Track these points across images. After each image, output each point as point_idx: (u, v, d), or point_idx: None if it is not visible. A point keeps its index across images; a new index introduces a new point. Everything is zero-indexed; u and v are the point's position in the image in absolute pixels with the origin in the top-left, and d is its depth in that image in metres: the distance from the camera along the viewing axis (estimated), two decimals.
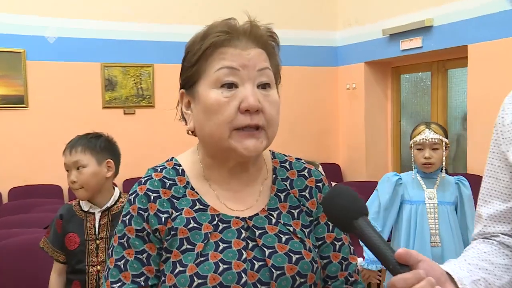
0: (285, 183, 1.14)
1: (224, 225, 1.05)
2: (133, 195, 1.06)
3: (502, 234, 1.08)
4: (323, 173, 1.29)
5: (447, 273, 0.93)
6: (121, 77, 5.71)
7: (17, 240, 2.80)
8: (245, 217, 1.07)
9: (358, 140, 6.34)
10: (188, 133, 1.11)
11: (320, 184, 1.16)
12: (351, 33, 6.37)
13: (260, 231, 1.06)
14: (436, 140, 2.57)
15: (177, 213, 1.05)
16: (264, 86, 1.04)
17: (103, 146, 2.04)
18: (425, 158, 2.59)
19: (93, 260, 1.99)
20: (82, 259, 2.00)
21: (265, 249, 1.03)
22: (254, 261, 1.02)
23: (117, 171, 2.09)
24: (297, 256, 1.05)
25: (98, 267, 1.98)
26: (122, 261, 1.04)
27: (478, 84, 4.77)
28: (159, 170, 1.10)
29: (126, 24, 5.67)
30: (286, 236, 1.06)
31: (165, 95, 5.66)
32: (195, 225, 1.04)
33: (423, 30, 5.25)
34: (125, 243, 1.04)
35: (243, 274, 1.00)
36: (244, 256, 1.02)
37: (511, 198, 1.07)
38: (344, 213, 0.87)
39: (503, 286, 1.02)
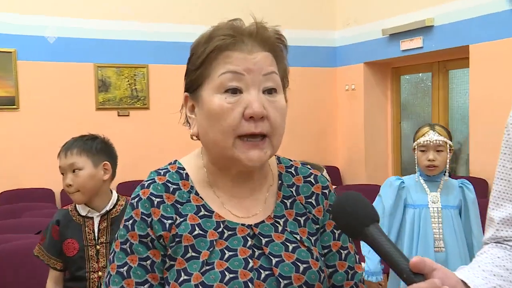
0: (291, 189, 1.12)
1: (230, 232, 1.03)
2: (135, 199, 1.03)
3: None
4: (328, 177, 1.26)
5: (462, 281, 0.93)
6: (115, 78, 5.61)
7: (10, 246, 2.75)
8: (251, 225, 1.05)
9: (358, 142, 6.27)
10: (192, 138, 1.09)
11: (326, 191, 1.14)
12: (350, 33, 6.31)
13: (266, 239, 1.04)
14: (440, 142, 2.53)
15: (182, 219, 1.02)
16: (270, 91, 1.02)
17: (99, 148, 2.01)
18: (429, 160, 2.55)
19: (94, 266, 1.96)
20: (82, 266, 1.96)
21: (271, 257, 1.02)
22: (261, 270, 1.01)
23: (114, 173, 2.06)
24: (305, 265, 1.03)
25: (100, 273, 1.96)
26: (125, 268, 1.01)
27: (480, 85, 4.73)
28: (162, 173, 1.07)
29: (119, 23, 5.58)
30: (293, 245, 1.05)
31: (161, 96, 5.58)
32: (200, 232, 1.02)
33: (424, 30, 5.20)
34: (128, 249, 1.01)
35: (249, 284, 0.98)
36: (250, 265, 1.00)
37: None
38: (355, 220, 0.85)
39: None
